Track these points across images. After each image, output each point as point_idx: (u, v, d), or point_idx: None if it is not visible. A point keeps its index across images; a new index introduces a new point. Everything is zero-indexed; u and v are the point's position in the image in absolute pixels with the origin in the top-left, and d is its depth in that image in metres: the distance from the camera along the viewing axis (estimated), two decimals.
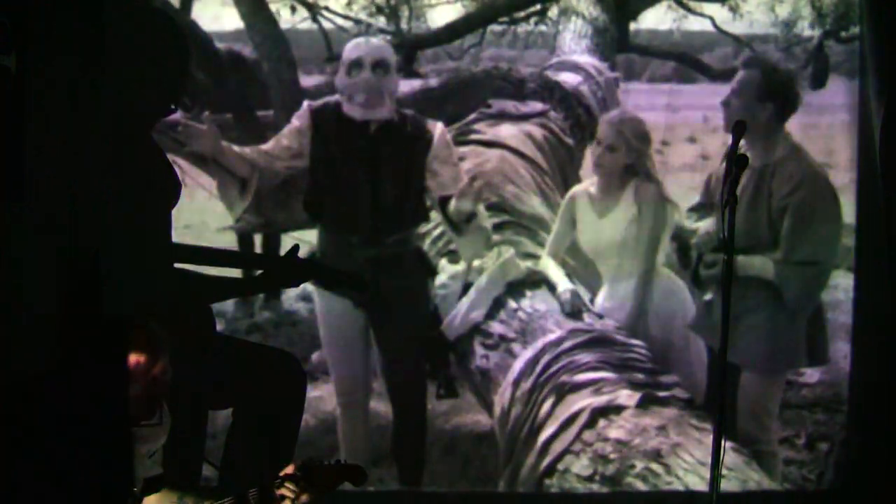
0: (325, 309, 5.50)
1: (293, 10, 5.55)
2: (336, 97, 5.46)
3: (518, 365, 5.53)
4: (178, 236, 3.70)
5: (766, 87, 5.45)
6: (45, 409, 2.89)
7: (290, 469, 3.36)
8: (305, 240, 5.48)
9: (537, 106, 5.68)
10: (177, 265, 3.67)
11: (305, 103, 5.46)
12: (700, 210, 5.55)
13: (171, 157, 5.21)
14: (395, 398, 5.56)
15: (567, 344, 5.54)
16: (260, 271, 4.00)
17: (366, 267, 5.37)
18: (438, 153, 5.48)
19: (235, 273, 4.14)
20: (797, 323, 5.50)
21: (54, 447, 2.89)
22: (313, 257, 5.44)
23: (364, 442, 5.54)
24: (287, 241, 5.53)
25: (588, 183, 5.60)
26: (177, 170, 3.69)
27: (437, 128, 5.49)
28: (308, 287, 5.47)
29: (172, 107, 3.60)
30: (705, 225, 5.52)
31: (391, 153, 5.45)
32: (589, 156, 5.62)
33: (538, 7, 5.69)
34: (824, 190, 5.49)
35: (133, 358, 3.16)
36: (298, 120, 5.44)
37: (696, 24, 5.67)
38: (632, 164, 5.53)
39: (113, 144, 3.22)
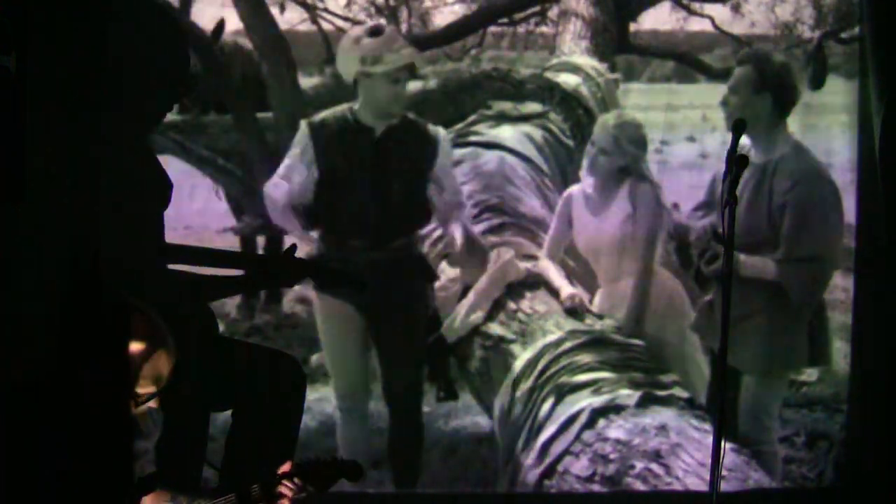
0: (324, 311, 5.50)
1: (282, 8, 5.54)
2: (330, 112, 5.44)
3: (517, 366, 5.53)
4: (178, 238, 3.70)
5: (761, 79, 5.43)
6: (45, 410, 2.89)
7: (287, 467, 3.38)
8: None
9: (537, 107, 5.68)
10: (173, 266, 3.66)
11: (303, 123, 5.44)
12: (705, 209, 5.53)
13: (170, 157, 5.28)
14: (392, 401, 5.55)
15: (566, 345, 5.54)
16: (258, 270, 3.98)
17: (367, 270, 5.37)
18: (443, 163, 5.49)
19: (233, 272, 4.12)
20: (799, 323, 5.49)
21: (54, 448, 2.89)
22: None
23: (364, 444, 5.54)
24: (288, 242, 5.54)
25: (584, 183, 5.60)
26: (176, 171, 3.68)
27: (441, 134, 5.49)
28: (308, 289, 5.47)
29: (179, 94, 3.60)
30: (705, 222, 5.51)
31: (396, 157, 5.45)
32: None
33: (538, 8, 5.70)
34: (825, 185, 5.48)
35: (134, 344, 3.14)
36: (298, 145, 5.42)
37: (696, 25, 5.68)
38: (626, 166, 5.53)
39: (114, 144, 3.22)
